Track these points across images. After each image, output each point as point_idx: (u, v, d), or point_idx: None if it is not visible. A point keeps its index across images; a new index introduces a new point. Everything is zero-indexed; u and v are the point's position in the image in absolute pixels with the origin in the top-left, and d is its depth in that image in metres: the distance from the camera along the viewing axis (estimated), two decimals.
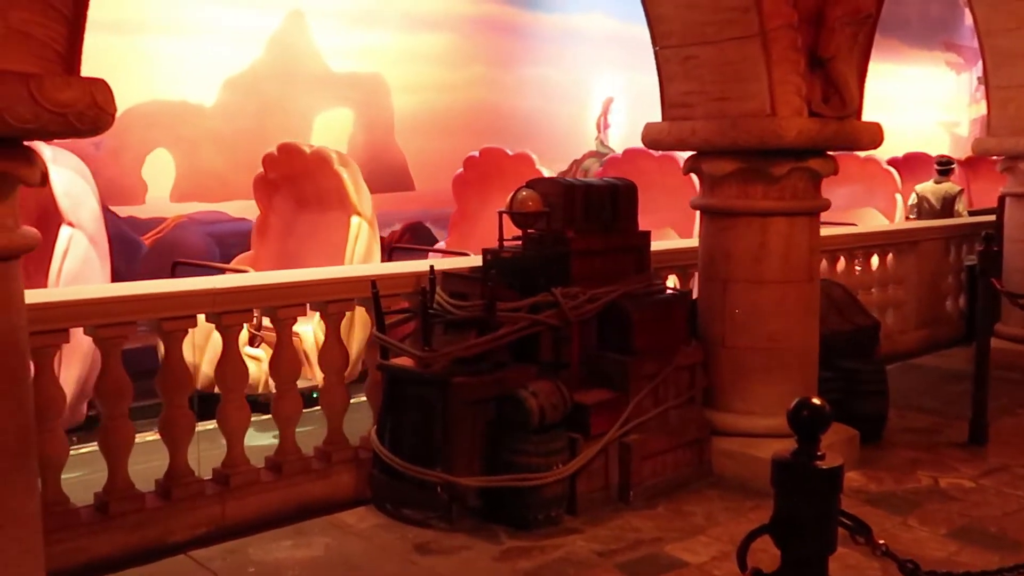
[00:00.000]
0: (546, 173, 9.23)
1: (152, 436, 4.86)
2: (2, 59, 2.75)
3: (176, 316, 4.55)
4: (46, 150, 7.46)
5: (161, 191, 9.39)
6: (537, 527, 4.64)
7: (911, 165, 13.50)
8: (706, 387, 5.52)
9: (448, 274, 5.20)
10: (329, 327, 5.14)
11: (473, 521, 4.68)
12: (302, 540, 4.54)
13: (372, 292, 4.98)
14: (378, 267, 5.93)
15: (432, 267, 5.18)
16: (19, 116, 2.71)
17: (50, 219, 7.36)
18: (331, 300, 5.10)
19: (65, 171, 7.28)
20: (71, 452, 4.35)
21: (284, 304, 4.95)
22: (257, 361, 7.06)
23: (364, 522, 4.75)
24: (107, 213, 9.03)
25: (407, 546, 4.50)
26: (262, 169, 8.93)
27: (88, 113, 2.87)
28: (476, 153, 10.08)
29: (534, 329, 4.94)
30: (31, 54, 2.83)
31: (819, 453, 2.18)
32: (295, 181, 8.90)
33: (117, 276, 7.80)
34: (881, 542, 2.33)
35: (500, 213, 5.40)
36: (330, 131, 10.60)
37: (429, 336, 4.82)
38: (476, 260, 5.62)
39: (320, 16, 10.38)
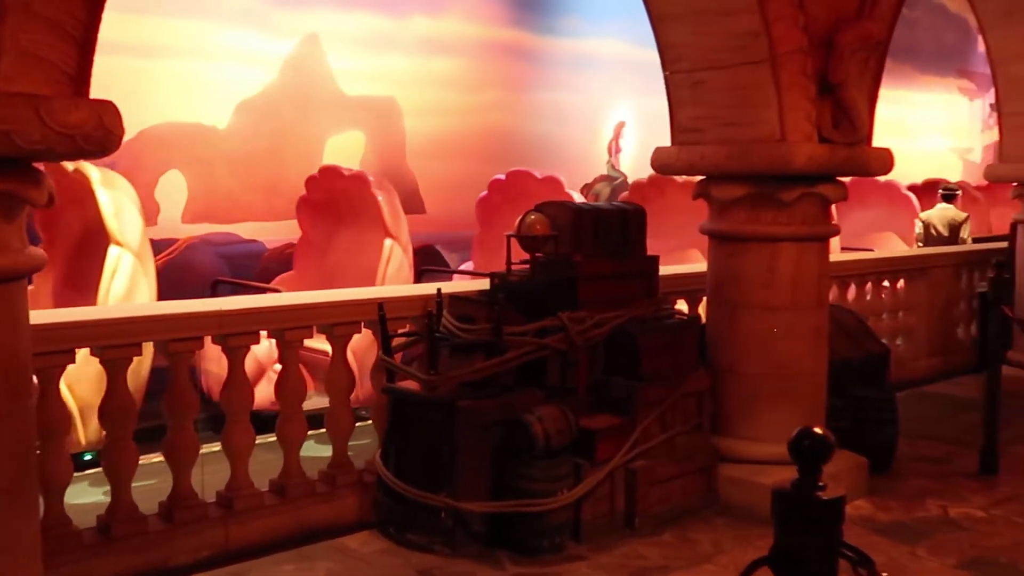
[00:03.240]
0: (577, 197, 9.19)
1: (157, 458, 4.85)
2: (13, 81, 2.77)
3: (183, 338, 4.56)
4: (95, 171, 7.63)
5: (173, 212, 9.43)
6: (541, 553, 4.60)
7: (930, 192, 13.39)
8: (714, 413, 5.48)
9: (455, 297, 5.19)
10: (336, 349, 5.13)
11: (477, 546, 4.64)
12: (305, 564, 4.51)
13: (379, 315, 4.97)
14: (385, 290, 5.92)
15: (439, 290, 5.17)
16: (28, 138, 2.73)
17: (98, 239, 7.53)
18: (338, 323, 5.10)
19: (113, 192, 7.43)
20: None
21: (292, 326, 4.94)
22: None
23: (367, 547, 4.72)
24: None
25: (410, 572, 4.46)
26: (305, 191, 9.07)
27: (95, 135, 2.89)
28: (502, 176, 10.08)
29: (541, 353, 4.92)
30: (41, 76, 2.86)
31: (820, 484, 2.15)
32: (336, 202, 8.96)
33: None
34: (884, 574, 2.29)
35: (508, 236, 5.40)
36: (342, 153, 10.64)
37: (435, 359, 4.80)
38: (417, 289, 5.62)
39: (335, 40, 10.45)
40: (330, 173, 9.19)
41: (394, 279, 8.34)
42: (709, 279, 5.73)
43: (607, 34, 12.66)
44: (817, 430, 2.20)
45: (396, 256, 8.51)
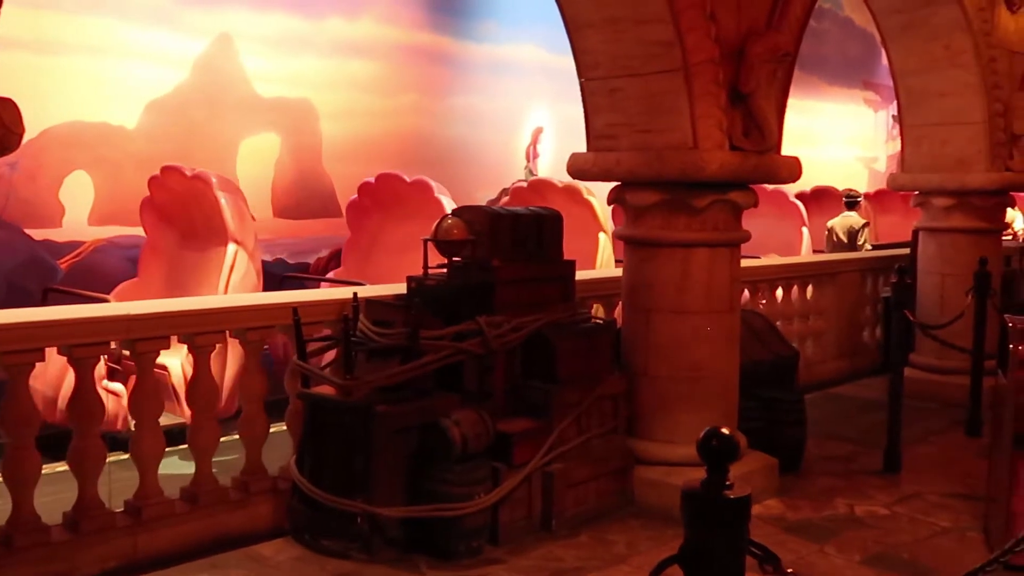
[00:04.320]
0: (445, 201, 9.08)
1: (61, 467, 4.71)
2: None
3: (88, 343, 4.43)
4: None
5: (79, 214, 9.15)
6: (459, 558, 4.60)
7: (819, 199, 13.85)
8: (629, 416, 5.55)
9: (372, 301, 5.16)
10: (249, 355, 5.05)
11: (394, 552, 4.61)
12: (217, 573, 4.43)
13: (294, 319, 4.90)
14: (300, 294, 5.85)
15: (355, 294, 5.14)
16: None
17: None
18: (252, 327, 5.02)
19: None
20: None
21: (205, 331, 4.85)
22: (116, 396, 6.78)
23: (282, 554, 4.65)
24: (22, 236, 8.80)
25: None
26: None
27: None
28: (371, 179, 9.87)
29: (458, 357, 4.92)
30: None
31: (728, 483, 2.20)
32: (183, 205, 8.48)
33: (31, 301, 7.57)
34: (790, 571, 2.36)
35: (425, 241, 5.38)
36: (257, 156, 10.49)
37: (351, 364, 4.76)
38: (333, 293, 5.57)
39: (248, 40, 10.28)
40: (172, 173, 8.49)
41: (239, 287, 7.82)
42: (624, 283, 5.81)
43: (524, 40, 12.73)
44: (724, 431, 2.25)
45: (241, 262, 7.95)
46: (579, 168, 5.82)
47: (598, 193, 8.59)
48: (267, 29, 10.43)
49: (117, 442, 5.80)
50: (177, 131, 9.71)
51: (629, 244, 5.76)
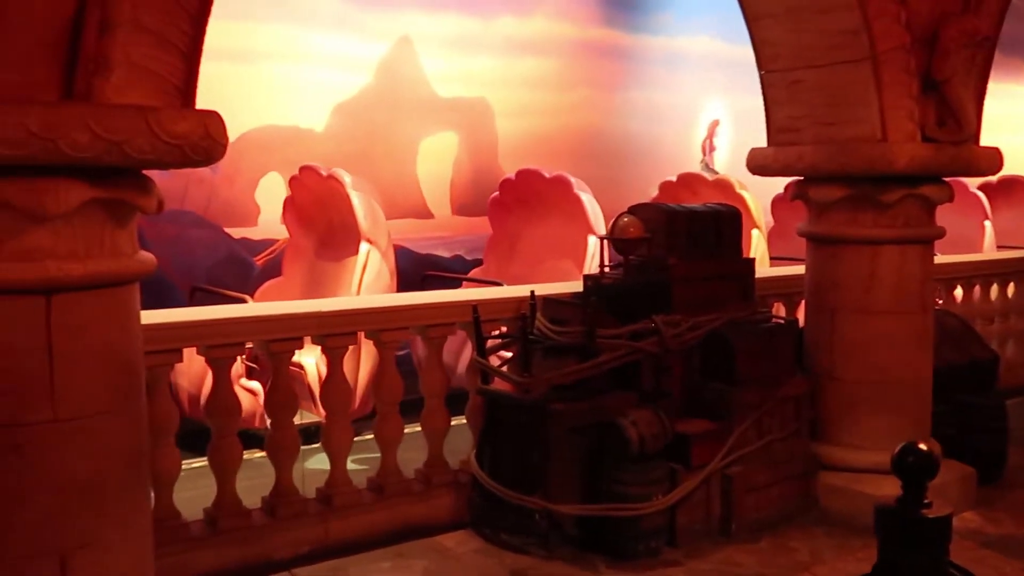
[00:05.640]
0: (584, 197, 8.98)
1: (259, 455, 5.00)
2: (124, 93, 2.88)
3: (283, 338, 4.68)
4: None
5: (273, 213, 9.67)
6: (636, 558, 4.58)
7: (1009, 190, 12.81)
8: (813, 419, 5.37)
9: (548, 299, 5.21)
10: (431, 352, 5.19)
11: (571, 549, 4.65)
12: (401, 563, 4.58)
13: (473, 317, 5.01)
14: (480, 292, 5.97)
15: (533, 292, 5.19)
16: (138, 148, 2.83)
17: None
18: (433, 324, 5.16)
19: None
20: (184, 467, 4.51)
21: (389, 327, 5.02)
22: (253, 395, 7.03)
23: (463, 546, 4.77)
24: (223, 235, 9.40)
25: (504, 573, 4.49)
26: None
27: (202, 144, 2.98)
28: (512, 176, 9.85)
29: (634, 357, 4.89)
30: (150, 88, 2.96)
31: (926, 500, 2.08)
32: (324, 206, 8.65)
33: (226, 297, 8.06)
34: None
35: (601, 238, 5.38)
36: (436, 155, 10.78)
37: (529, 361, 4.82)
38: (510, 291, 5.58)
39: (427, 42, 10.58)
40: (309, 173, 8.60)
41: (372, 287, 7.82)
42: (807, 282, 5.61)
43: (699, 31, 12.51)
44: (922, 446, 2.13)
45: (374, 262, 7.95)
46: (759, 163, 5.66)
47: (768, 189, 8.33)
48: (443, 30, 10.69)
49: (255, 439, 5.98)
50: (361, 133, 10.12)
51: (812, 241, 5.56)
